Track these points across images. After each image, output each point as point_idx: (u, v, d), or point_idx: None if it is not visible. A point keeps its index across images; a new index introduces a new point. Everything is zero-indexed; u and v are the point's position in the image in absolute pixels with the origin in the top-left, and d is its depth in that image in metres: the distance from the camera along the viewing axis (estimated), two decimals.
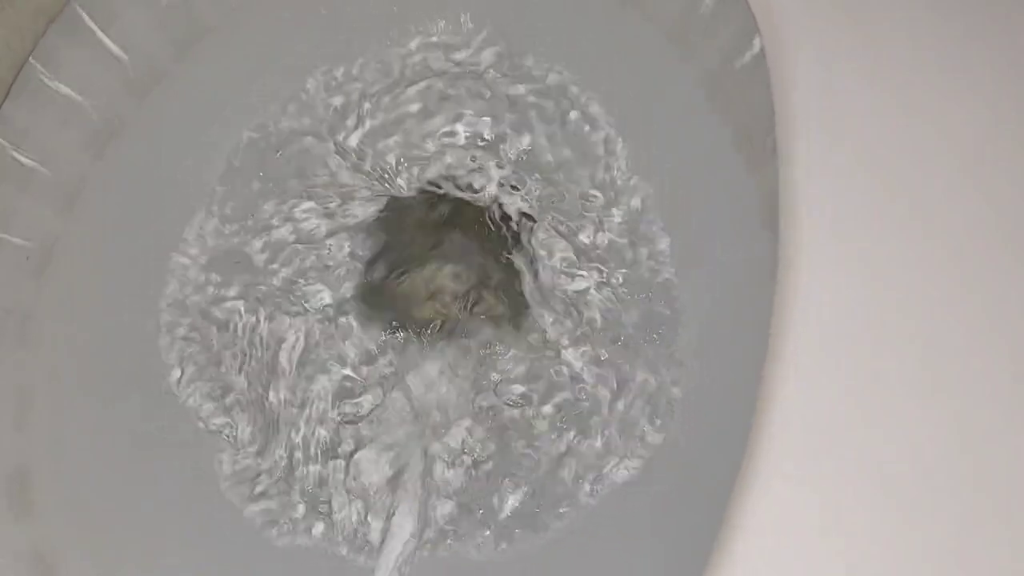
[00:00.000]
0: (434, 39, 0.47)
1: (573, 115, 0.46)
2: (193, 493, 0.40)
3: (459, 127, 0.46)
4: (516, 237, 0.45)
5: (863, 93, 0.29)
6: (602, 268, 0.44)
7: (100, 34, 0.40)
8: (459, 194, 0.46)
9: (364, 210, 0.45)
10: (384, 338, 0.44)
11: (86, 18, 0.39)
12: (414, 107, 0.46)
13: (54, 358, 0.40)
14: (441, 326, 0.44)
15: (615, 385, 0.42)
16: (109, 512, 0.38)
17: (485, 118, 0.46)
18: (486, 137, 0.46)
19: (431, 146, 0.46)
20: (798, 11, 0.30)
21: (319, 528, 0.40)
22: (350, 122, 0.46)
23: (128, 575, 0.37)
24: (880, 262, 0.27)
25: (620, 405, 0.42)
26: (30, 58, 0.37)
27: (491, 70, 0.47)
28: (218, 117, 0.45)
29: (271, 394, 0.42)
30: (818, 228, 0.27)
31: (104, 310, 0.42)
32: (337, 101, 0.46)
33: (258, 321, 0.43)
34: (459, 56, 0.47)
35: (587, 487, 0.41)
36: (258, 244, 0.44)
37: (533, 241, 0.45)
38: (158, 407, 0.41)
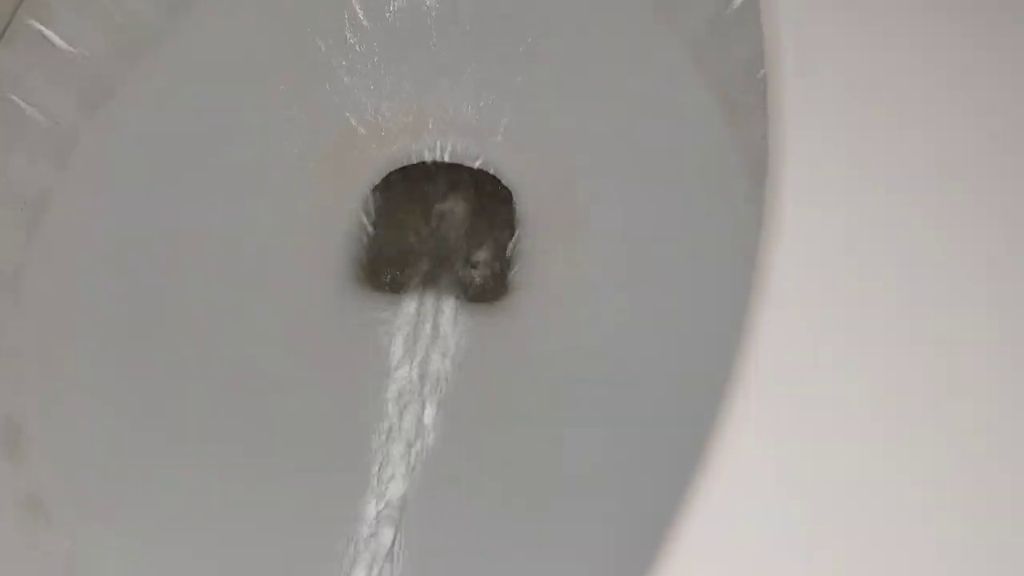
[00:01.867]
0: None
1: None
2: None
3: None
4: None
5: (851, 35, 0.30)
6: None
7: None
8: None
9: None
10: None
11: None
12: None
13: (44, 312, 0.40)
14: None
15: None
16: (97, 457, 0.38)
17: None
18: None
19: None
20: None
21: None
22: None
23: (113, 513, 0.37)
24: (866, 215, 0.28)
25: None
26: (22, 6, 0.37)
27: None
28: (213, 78, 0.46)
29: None
30: (805, 174, 0.28)
31: (96, 267, 0.42)
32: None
33: None
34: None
35: None
36: None
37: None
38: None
